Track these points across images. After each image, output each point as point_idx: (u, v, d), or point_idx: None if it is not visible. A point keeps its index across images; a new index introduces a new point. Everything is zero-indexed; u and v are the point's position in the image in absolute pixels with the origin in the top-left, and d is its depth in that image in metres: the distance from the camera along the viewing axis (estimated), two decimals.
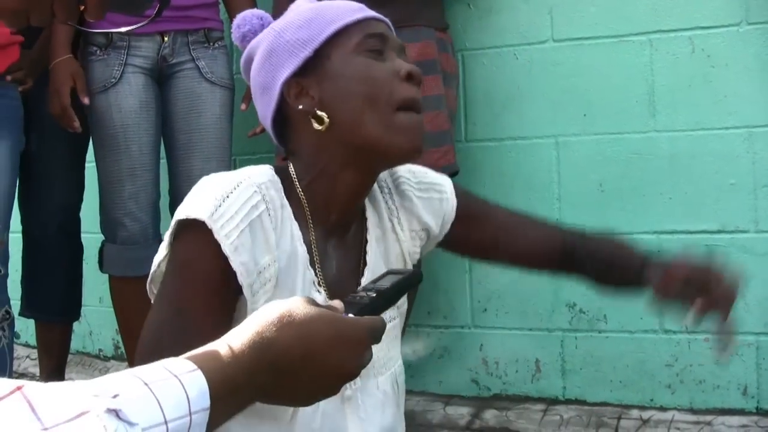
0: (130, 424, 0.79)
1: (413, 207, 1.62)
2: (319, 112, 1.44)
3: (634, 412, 2.94)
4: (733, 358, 2.83)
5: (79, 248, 3.25)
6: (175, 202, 3.00)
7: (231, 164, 3.09)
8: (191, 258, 1.35)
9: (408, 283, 1.25)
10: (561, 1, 3.04)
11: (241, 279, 1.34)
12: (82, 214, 3.25)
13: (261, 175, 1.42)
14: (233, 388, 0.94)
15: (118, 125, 2.88)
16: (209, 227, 1.31)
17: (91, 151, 3.14)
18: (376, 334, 1.09)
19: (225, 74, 3.03)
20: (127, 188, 2.90)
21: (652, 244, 2.90)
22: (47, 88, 2.87)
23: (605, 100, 2.99)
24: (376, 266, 1.54)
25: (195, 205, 1.34)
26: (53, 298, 3.17)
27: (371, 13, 1.50)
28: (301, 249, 1.44)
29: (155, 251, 3.17)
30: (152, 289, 1.43)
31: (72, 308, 3.26)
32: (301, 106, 1.46)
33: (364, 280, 1.51)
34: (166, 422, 0.83)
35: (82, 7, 1.09)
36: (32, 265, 3.18)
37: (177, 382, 0.86)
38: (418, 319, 3.19)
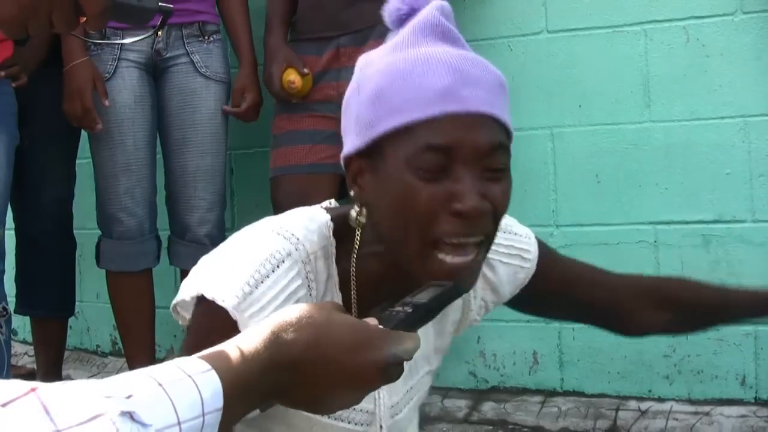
0: (144, 425, 0.77)
1: (495, 279, 1.48)
2: (355, 213, 1.26)
3: (632, 403, 2.93)
4: (731, 347, 2.83)
5: (72, 243, 3.25)
6: (170, 196, 2.99)
7: (226, 159, 3.08)
8: (206, 333, 1.16)
9: (448, 297, 1.13)
10: None
11: None
12: (79, 210, 3.25)
13: (314, 241, 1.25)
14: (246, 389, 0.91)
15: (113, 120, 2.87)
16: (234, 319, 1.16)
17: (84, 146, 3.14)
18: (406, 347, 1.00)
19: (220, 68, 3.02)
20: (122, 183, 2.90)
21: (648, 235, 2.91)
22: (41, 84, 2.87)
23: (600, 90, 2.98)
24: (424, 331, 1.26)
25: (222, 285, 1.19)
26: (47, 294, 3.18)
27: (453, 107, 1.18)
28: None
29: (152, 246, 3.17)
30: (177, 311, 1.29)
31: (66, 304, 3.26)
32: (352, 192, 1.27)
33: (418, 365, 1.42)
34: (179, 423, 0.81)
35: (83, 18, 1.09)
36: (25, 261, 3.18)
37: (191, 382, 0.85)
38: None
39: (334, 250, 1.28)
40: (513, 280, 1.50)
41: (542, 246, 1.54)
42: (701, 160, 2.85)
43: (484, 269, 1.44)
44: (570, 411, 2.95)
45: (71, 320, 3.46)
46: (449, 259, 1.18)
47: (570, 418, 2.92)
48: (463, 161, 1.17)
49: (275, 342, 0.95)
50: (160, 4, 1.19)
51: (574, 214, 3.01)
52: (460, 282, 1.16)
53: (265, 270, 1.19)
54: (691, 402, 2.88)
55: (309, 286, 1.23)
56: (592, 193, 2.99)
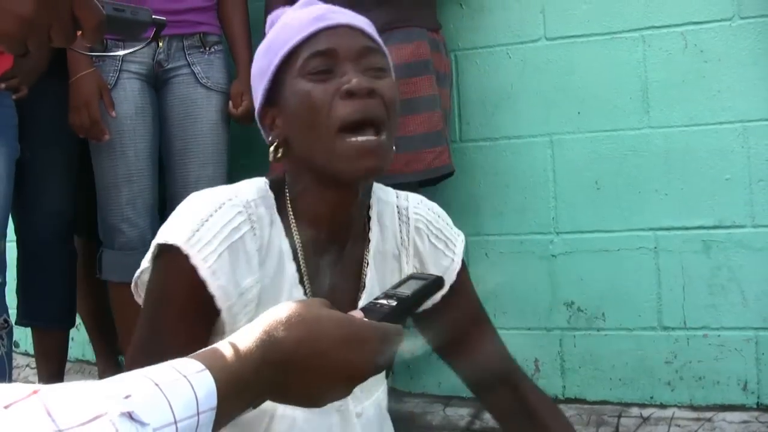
0: (142, 424, 0.80)
1: (422, 249, 1.58)
2: (271, 148, 1.43)
3: (634, 410, 2.93)
4: (733, 353, 2.83)
5: (73, 255, 3.24)
6: (172, 208, 2.98)
7: (228, 169, 3.08)
8: (167, 283, 1.35)
9: (430, 290, 1.22)
10: None
11: (219, 303, 1.33)
12: None
13: (251, 192, 1.42)
14: (240, 387, 0.94)
15: (114, 131, 2.87)
16: (185, 253, 1.31)
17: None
18: (391, 338, 1.06)
19: (221, 79, 3.02)
20: (124, 194, 2.90)
21: (648, 241, 2.91)
22: (40, 95, 2.87)
23: (599, 97, 2.98)
24: (372, 291, 1.50)
25: (173, 229, 1.35)
26: (48, 305, 3.17)
27: (322, 23, 1.41)
28: (290, 266, 1.43)
29: None
30: (137, 292, 1.46)
31: (67, 315, 3.26)
32: (270, 138, 1.45)
33: (361, 303, 1.46)
34: (176, 422, 0.84)
35: (80, 32, 1.13)
36: (26, 273, 3.18)
37: (186, 382, 0.88)
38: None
39: (273, 202, 1.43)
40: (436, 263, 1.59)
41: (466, 269, 1.67)
42: (701, 165, 2.85)
43: (414, 235, 1.57)
44: (572, 418, 2.94)
45: (74, 332, 3.46)
46: (355, 138, 1.34)
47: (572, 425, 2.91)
48: (344, 60, 1.37)
49: (267, 340, 0.98)
50: (153, 17, 1.24)
51: (574, 220, 3.01)
52: (440, 276, 1.26)
53: (207, 212, 1.35)
54: (693, 408, 2.87)
55: (252, 226, 1.37)
56: (591, 200, 2.99)
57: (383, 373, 1.54)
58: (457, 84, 3.13)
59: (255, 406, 1.01)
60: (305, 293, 1.43)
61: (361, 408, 1.52)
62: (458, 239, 1.64)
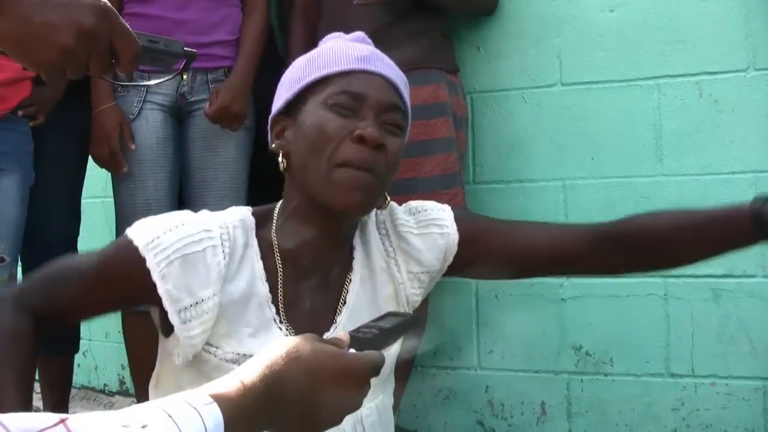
0: None
1: (412, 250, 1.63)
2: (280, 157, 1.52)
3: None
4: (740, 402, 2.82)
5: None
6: None
7: (246, 203, 3.08)
8: (118, 265, 1.47)
9: (407, 326, 1.31)
10: (569, 45, 3.07)
11: (166, 305, 1.43)
12: (91, 249, 3.26)
13: (231, 216, 1.53)
14: (245, 419, 1.00)
15: (134, 160, 2.91)
16: (143, 256, 1.42)
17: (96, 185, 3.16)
18: (377, 368, 1.15)
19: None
20: None
21: (658, 288, 2.91)
22: (48, 123, 2.90)
23: (613, 143, 3.00)
24: (356, 305, 1.57)
25: (142, 230, 1.45)
26: (52, 331, 3.17)
27: (363, 65, 1.51)
28: (263, 287, 1.51)
29: None
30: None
31: (72, 341, 3.26)
32: (273, 145, 1.55)
33: (340, 318, 1.56)
34: None
35: (114, 61, 1.18)
36: None
37: (196, 413, 0.94)
38: (424, 361, 3.19)
39: (252, 226, 1.53)
40: (434, 248, 1.64)
41: (462, 212, 1.73)
42: None
43: (394, 238, 1.63)
44: None
45: (79, 359, 3.46)
46: (344, 175, 1.44)
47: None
48: (369, 108, 1.46)
49: (269, 375, 1.05)
50: (185, 49, 1.31)
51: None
52: (418, 315, 1.44)
53: (176, 222, 1.45)
54: None
55: (223, 244, 1.46)
56: None
57: (383, 383, 1.63)
58: (472, 126, 3.15)
59: None
60: (277, 313, 1.51)
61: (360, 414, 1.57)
62: (444, 213, 1.68)
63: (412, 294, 1.65)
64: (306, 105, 1.50)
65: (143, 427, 0.88)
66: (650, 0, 2.96)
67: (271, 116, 1.58)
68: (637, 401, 2.96)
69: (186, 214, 1.49)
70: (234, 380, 1.04)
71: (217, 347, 1.47)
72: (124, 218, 2.95)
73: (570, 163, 3.06)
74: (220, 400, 0.98)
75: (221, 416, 0.96)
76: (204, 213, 1.51)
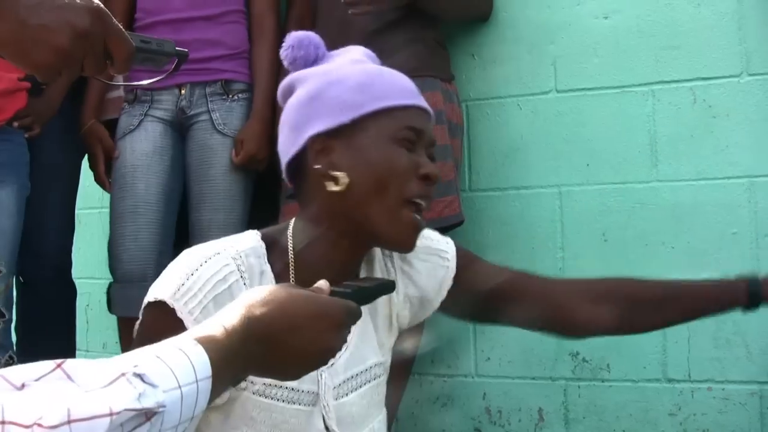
0: (153, 386, 0.92)
1: (413, 273, 1.67)
2: (338, 174, 1.48)
3: None
4: (737, 407, 2.82)
5: (72, 291, 3.26)
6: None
7: (243, 215, 3.07)
8: (153, 336, 1.33)
9: (384, 288, 1.40)
10: (564, 52, 3.08)
11: None
12: (88, 259, 3.26)
13: (242, 244, 1.48)
14: (229, 360, 1.06)
15: (129, 166, 2.96)
16: (172, 306, 1.37)
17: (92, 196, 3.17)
18: (353, 314, 1.21)
19: (240, 126, 3.01)
20: (128, 225, 2.94)
21: None
22: (41, 133, 2.93)
23: (608, 150, 3.01)
24: (359, 324, 1.54)
25: (161, 284, 1.41)
26: (48, 342, 3.17)
27: (420, 101, 1.55)
28: None
29: None
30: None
31: (67, 352, 3.25)
32: (318, 166, 1.50)
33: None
34: (180, 386, 0.96)
35: (108, 62, 1.21)
36: (26, 310, 3.18)
37: (183, 354, 1.00)
38: (421, 368, 3.19)
39: (264, 252, 1.49)
40: (433, 275, 1.68)
41: (463, 249, 1.75)
42: (708, 219, 2.87)
43: (400, 262, 1.67)
44: None
45: None
46: (412, 218, 1.48)
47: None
48: (422, 143, 1.53)
49: (248, 317, 1.11)
50: (177, 48, 1.34)
51: (581, 272, 3.01)
52: (392, 280, 1.53)
53: (195, 265, 1.40)
54: None
55: (242, 276, 1.42)
56: (599, 252, 3.00)
57: (379, 405, 1.66)
58: (467, 134, 3.15)
59: (240, 380, 1.17)
60: None
61: None
62: (448, 246, 1.72)
63: (403, 316, 1.69)
64: (366, 134, 1.49)
65: (135, 366, 0.93)
66: (644, 7, 2.97)
67: (311, 133, 1.51)
68: (635, 407, 2.96)
69: (195, 253, 1.43)
70: (216, 325, 1.09)
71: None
72: (112, 218, 3.01)
73: (565, 169, 3.06)
74: (205, 342, 1.03)
75: (206, 356, 1.01)
76: (212, 246, 1.46)
